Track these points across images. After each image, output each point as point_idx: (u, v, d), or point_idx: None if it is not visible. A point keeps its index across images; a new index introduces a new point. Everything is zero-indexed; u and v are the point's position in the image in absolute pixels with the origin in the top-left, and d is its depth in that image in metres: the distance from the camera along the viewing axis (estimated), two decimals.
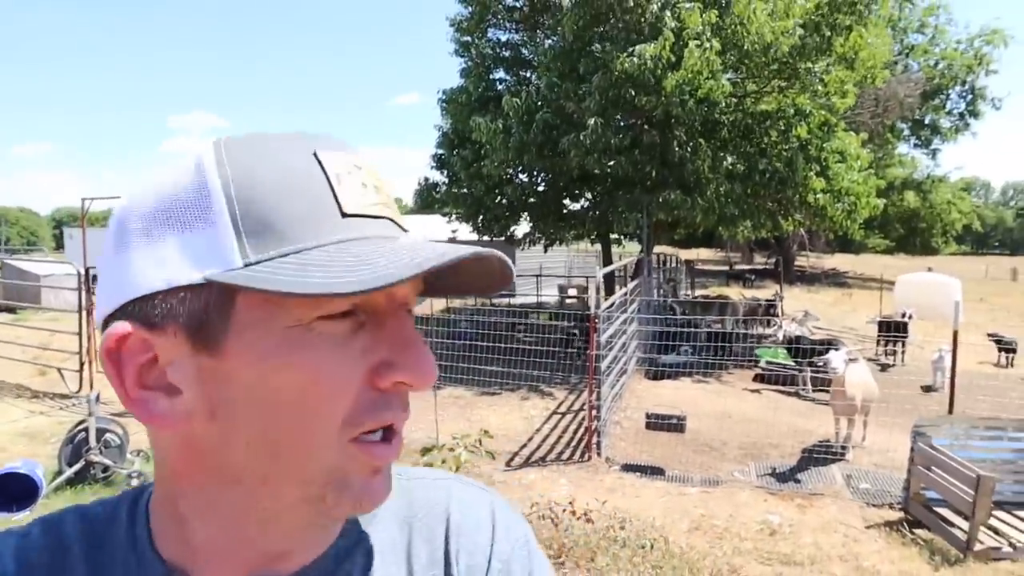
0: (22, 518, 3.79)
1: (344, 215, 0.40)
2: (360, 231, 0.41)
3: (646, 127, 9.86)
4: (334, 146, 0.43)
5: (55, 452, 4.94)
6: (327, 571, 0.48)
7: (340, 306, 0.40)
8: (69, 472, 4.62)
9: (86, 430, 4.74)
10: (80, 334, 7.53)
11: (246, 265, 0.38)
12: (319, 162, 0.41)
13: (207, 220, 0.39)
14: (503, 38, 12.52)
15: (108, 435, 4.83)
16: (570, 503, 3.87)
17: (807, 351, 8.12)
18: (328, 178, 0.41)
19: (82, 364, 7.47)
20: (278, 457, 0.41)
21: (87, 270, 7.78)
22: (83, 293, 7.74)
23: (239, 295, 0.39)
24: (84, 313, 7.61)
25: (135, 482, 4.36)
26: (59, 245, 55.23)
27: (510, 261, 0.46)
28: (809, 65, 9.11)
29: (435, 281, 0.48)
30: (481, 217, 12.26)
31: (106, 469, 4.73)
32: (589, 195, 12.23)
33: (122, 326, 0.40)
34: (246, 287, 0.37)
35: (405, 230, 0.45)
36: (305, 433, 0.41)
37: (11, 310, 13.31)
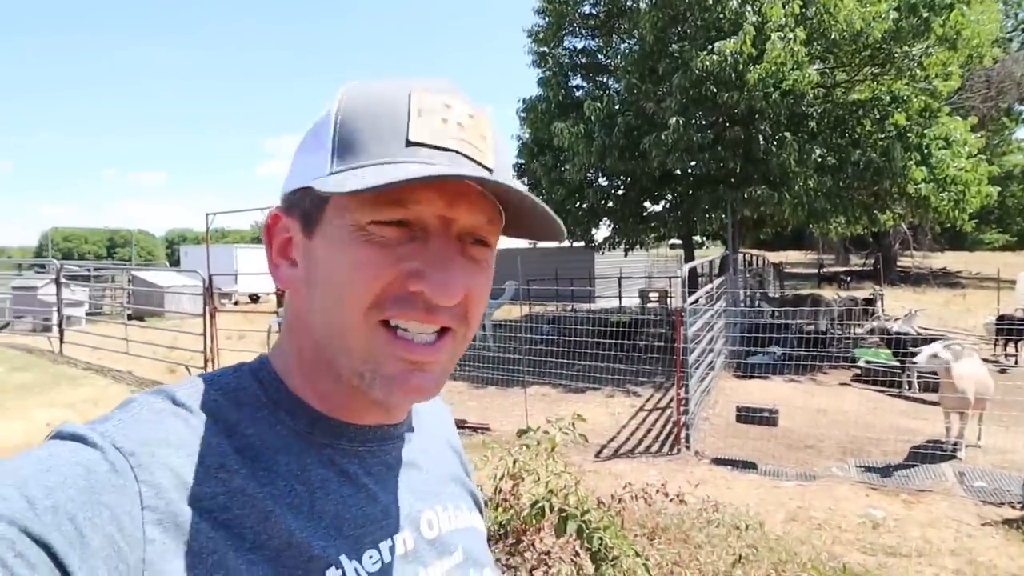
0: None
1: (409, 143, 0.48)
2: (418, 156, 0.48)
3: (728, 123, 9.71)
4: (434, 88, 0.51)
5: None
6: (411, 423, 0.64)
7: (388, 215, 0.49)
8: None
9: None
10: (204, 335, 8.24)
11: (329, 174, 0.49)
12: (408, 98, 0.50)
13: (324, 142, 0.51)
14: (579, 45, 12.70)
15: None
16: (662, 484, 3.91)
17: (912, 350, 7.69)
18: (409, 112, 0.49)
19: (206, 361, 8.19)
20: (331, 324, 0.52)
21: (210, 278, 8.51)
22: (207, 298, 8.51)
23: (331, 198, 0.50)
24: (208, 316, 8.36)
25: None
26: (172, 262, 60.43)
27: (550, 211, 0.52)
28: (906, 49, 8.67)
29: (515, 223, 0.55)
30: (562, 222, 12.41)
31: None
32: (670, 196, 12.11)
33: (275, 209, 0.56)
34: (313, 188, 0.49)
35: (482, 163, 0.51)
36: (343, 306, 0.50)
37: (140, 317, 14.73)
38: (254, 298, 20.49)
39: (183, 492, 0.45)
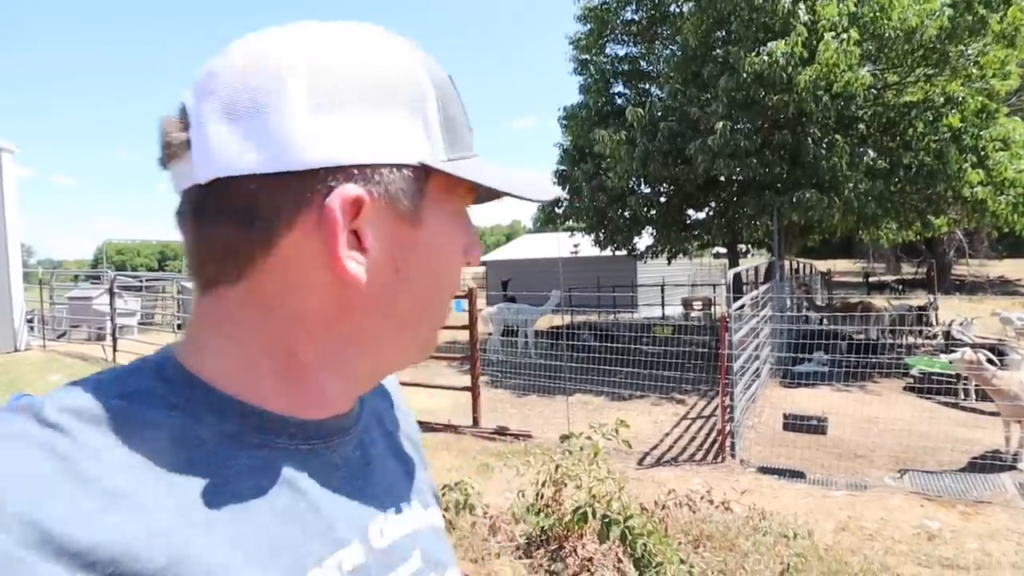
0: None
1: (469, 129, 0.51)
2: (473, 144, 0.51)
3: (776, 127, 9.55)
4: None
5: None
6: (360, 411, 0.55)
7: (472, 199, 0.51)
8: None
9: None
10: None
11: (449, 159, 0.46)
12: (451, 79, 0.50)
13: (426, 112, 0.45)
14: (621, 52, 12.69)
15: None
16: (708, 491, 3.90)
17: None
18: (458, 93, 0.50)
19: None
20: (433, 304, 0.51)
21: None
22: None
23: (431, 179, 0.46)
24: None
25: None
26: None
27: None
28: (961, 48, 8.40)
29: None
30: (603, 230, 12.39)
31: None
32: (714, 203, 11.94)
33: (354, 189, 0.42)
34: (456, 176, 0.45)
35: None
36: (451, 287, 0.52)
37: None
38: None
39: (45, 549, 0.33)
